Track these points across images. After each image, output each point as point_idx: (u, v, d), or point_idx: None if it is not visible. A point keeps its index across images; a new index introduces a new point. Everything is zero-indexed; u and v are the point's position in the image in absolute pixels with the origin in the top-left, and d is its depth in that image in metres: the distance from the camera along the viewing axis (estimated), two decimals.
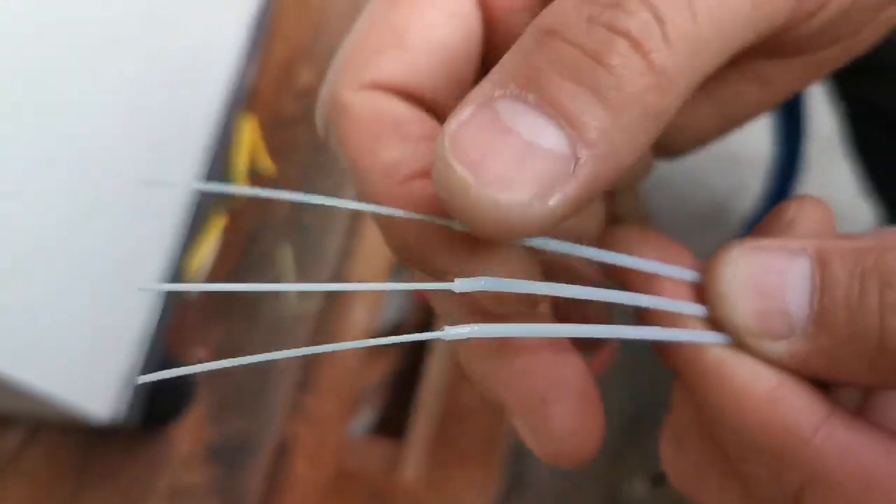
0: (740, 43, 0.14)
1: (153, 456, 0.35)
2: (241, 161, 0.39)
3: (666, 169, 1.17)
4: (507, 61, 0.13)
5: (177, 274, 0.34)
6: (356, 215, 0.37)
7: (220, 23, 0.36)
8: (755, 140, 1.19)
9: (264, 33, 0.39)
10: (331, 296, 0.36)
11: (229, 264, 0.38)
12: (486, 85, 0.13)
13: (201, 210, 0.35)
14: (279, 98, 0.41)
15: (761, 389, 0.14)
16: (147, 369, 0.32)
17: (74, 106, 0.28)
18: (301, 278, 0.36)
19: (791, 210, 0.16)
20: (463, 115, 0.12)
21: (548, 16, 0.13)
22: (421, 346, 0.45)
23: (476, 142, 0.12)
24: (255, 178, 0.40)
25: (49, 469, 0.37)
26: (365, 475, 0.43)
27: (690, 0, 0.13)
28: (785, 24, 0.14)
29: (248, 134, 0.39)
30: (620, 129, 0.12)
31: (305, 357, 0.35)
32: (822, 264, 0.14)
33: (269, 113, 0.41)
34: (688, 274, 0.15)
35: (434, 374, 0.46)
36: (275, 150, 0.40)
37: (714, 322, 0.14)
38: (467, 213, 0.12)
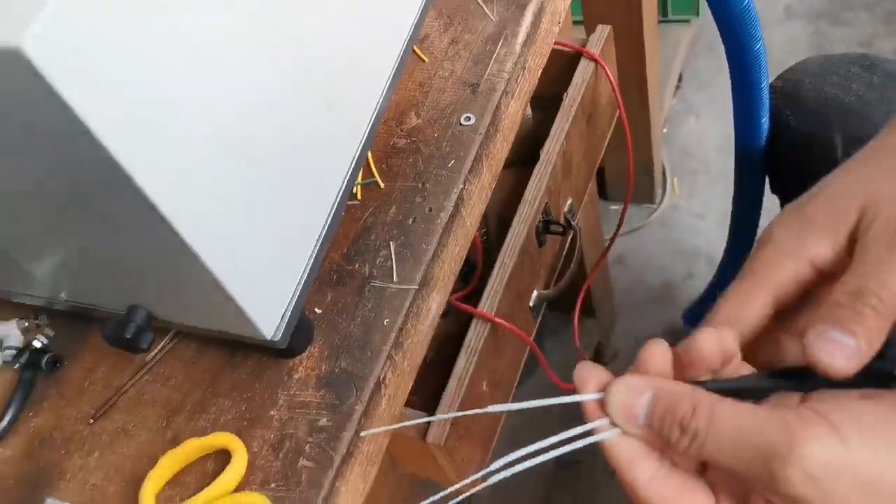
0: None
1: (277, 378, 0.47)
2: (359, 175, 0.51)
3: (629, 253, 1.33)
4: None
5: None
6: (448, 231, 0.50)
7: (377, 68, 0.50)
8: (708, 241, 1.37)
9: (394, 83, 0.52)
10: (423, 281, 0.48)
11: (344, 247, 0.50)
12: None
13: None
14: (391, 133, 0.54)
15: (624, 455, 0.31)
16: (289, 312, 0.44)
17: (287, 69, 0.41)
18: (398, 272, 0.49)
19: (647, 353, 0.32)
20: None
21: None
22: (458, 343, 0.57)
23: None
24: (366, 189, 0.52)
25: (186, 372, 0.48)
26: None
27: None
28: None
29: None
30: None
31: (398, 326, 0.47)
32: (654, 398, 0.30)
33: (383, 143, 0.54)
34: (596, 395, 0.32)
35: (461, 366, 0.58)
36: (383, 171, 0.53)
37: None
38: None
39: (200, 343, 0.49)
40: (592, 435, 0.31)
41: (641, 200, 1.44)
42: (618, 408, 0.31)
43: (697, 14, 1.44)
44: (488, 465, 0.45)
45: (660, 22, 1.39)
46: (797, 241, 0.35)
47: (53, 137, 0.31)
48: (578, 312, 0.87)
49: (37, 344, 0.51)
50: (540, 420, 1.16)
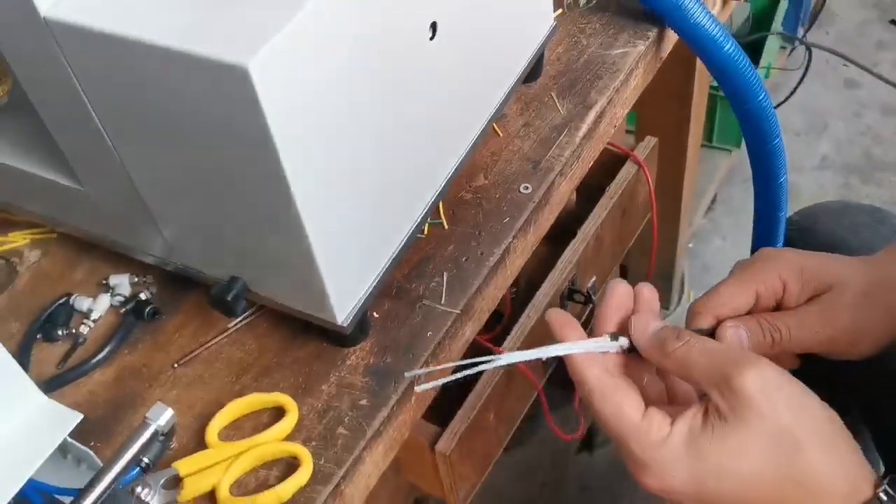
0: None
1: (332, 360, 0.57)
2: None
3: None
4: None
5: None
6: (492, 274, 0.61)
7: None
8: None
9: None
10: (464, 308, 0.59)
11: (406, 269, 0.61)
12: None
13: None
14: (461, 187, 0.66)
15: (585, 358, 0.47)
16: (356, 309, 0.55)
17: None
18: (446, 297, 0.60)
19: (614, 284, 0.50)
20: None
21: None
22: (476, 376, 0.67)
23: None
24: (433, 227, 0.63)
25: (257, 343, 0.59)
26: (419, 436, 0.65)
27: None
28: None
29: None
30: None
31: (437, 340, 0.58)
32: (665, 325, 0.47)
33: (454, 194, 0.65)
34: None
35: (476, 394, 0.68)
36: (449, 216, 0.64)
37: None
38: None
39: (275, 320, 0.59)
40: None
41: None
42: (640, 322, 0.47)
43: (738, 146, 1.56)
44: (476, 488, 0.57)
45: (704, 146, 1.51)
46: (787, 269, 0.54)
47: (236, 134, 0.43)
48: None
49: (142, 296, 0.61)
50: (527, 479, 1.24)
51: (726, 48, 0.75)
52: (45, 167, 0.58)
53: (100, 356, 0.59)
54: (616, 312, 0.49)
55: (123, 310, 0.61)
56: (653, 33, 0.75)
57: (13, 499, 0.41)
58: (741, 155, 1.59)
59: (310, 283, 0.51)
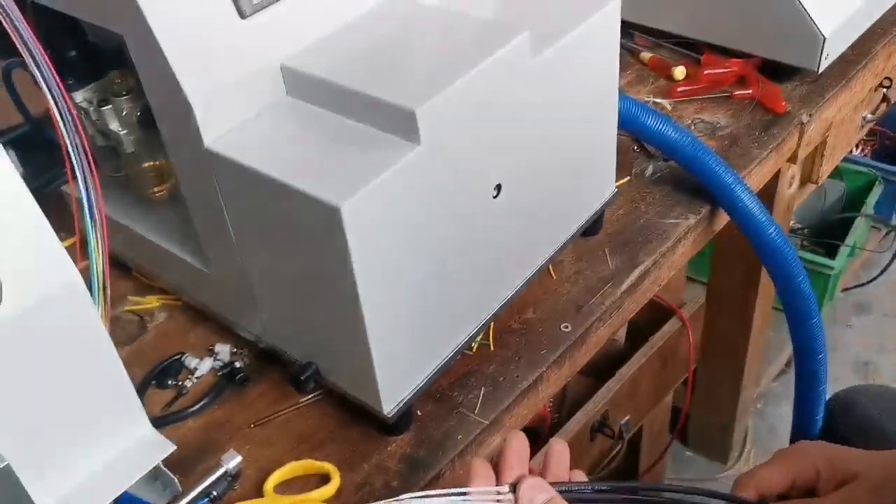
0: None
1: (375, 445, 0.69)
2: None
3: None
4: None
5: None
6: (524, 396, 0.72)
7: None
8: None
9: None
10: (494, 420, 0.70)
11: (451, 378, 0.72)
12: None
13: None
14: (511, 317, 0.77)
15: None
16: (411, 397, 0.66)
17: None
18: (480, 408, 0.70)
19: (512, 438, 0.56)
20: None
21: None
22: None
23: None
24: (480, 346, 0.75)
25: (318, 419, 0.71)
26: None
27: None
28: None
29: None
30: None
31: (465, 444, 0.68)
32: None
33: (503, 321, 0.77)
34: None
35: None
36: (496, 339, 0.76)
37: None
38: None
39: (336, 402, 0.72)
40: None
41: (714, 457, 1.58)
42: (527, 491, 0.51)
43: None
44: None
45: (776, 308, 1.57)
46: (820, 460, 0.63)
47: (325, 253, 0.57)
48: None
49: (237, 364, 0.75)
50: None
51: (770, 231, 0.85)
52: (184, 250, 0.74)
53: (196, 407, 0.72)
54: (517, 463, 0.55)
55: (221, 373, 0.75)
56: (705, 209, 0.86)
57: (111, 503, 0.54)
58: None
59: (365, 377, 0.63)
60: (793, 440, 1.04)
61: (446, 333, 0.68)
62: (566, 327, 0.76)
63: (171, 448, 0.55)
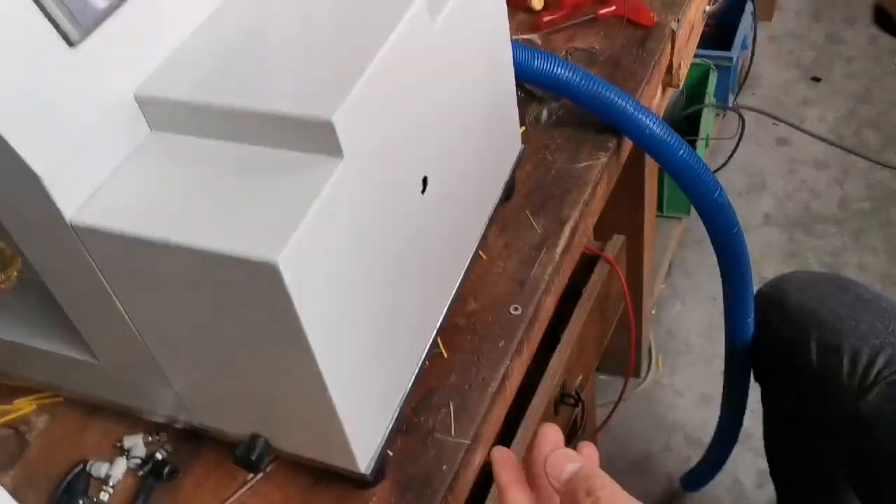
0: None
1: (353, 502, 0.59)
2: None
3: (613, 423, 1.45)
4: None
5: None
6: (496, 399, 0.64)
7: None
8: (686, 418, 1.50)
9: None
10: (475, 437, 0.61)
11: (413, 403, 0.63)
12: None
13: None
14: (455, 313, 0.69)
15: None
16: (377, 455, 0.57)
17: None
18: (455, 427, 0.62)
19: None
20: None
21: None
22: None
23: None
24: (433, 357, 0.66)
25: (280, 492, 0.60)
26: None
27: None
28: None
29: None
30: None
31: (453, 473, 0.60)
32: (581, 467, 0.45)
33: (450, 321, 0.68)
34: None
35: None
36: (447, 343, 0.67)
37: None
38: None
39: (293, 468, 0.61)
40: None
41: (628, 374, 1.58)
42: (553, 464, 0.45)
43: (688, 213, 1.63)
44: None
45: (656, 216, 1.58)
46: None
47: (263, 314, 0.45)
48: None
49: (158, 455, 0.63)
50: None
51: (681, 153, 0.80)
52: (56, 342, 0.60)
53: None
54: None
55: (141, 472, 0.62)
56: (612, 143, 0.80)
57: None
58: (690, 220, 1.66)
59: (332, 437, 0.53)
60: (729, 347, 1.03)
61: (404, 358, 0.59)
62: (516, 309, 0.69)
63: None
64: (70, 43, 0.44)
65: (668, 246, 1.62)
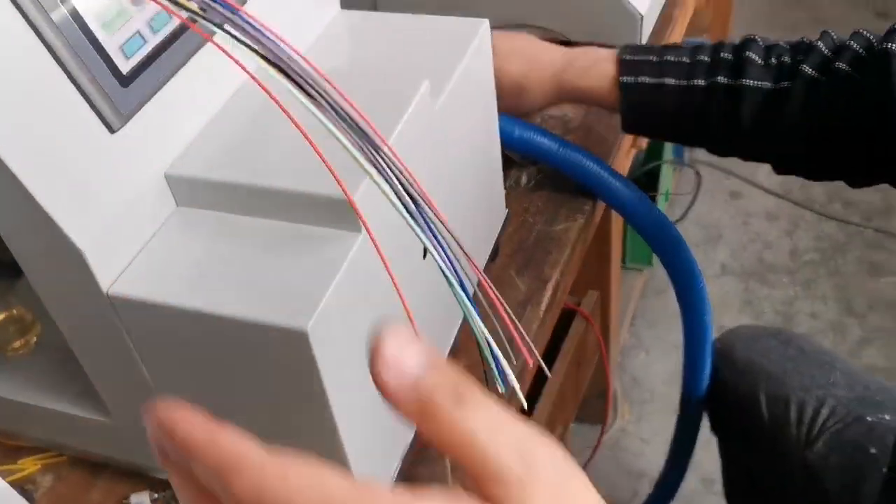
0: None
1: None
2: None
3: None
4: None
5: None
6: None
7: None
8: (652, 465, 1.54)
9: None
10: None
11: (410, 457, 0.67)
12: None
13: None
14: None
15: None
16: None
17: None
18: (453, 481, 0.66)
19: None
20: None
21: None
22: None
23: None
24: None
25: None
26: None
27: None
28: None
29: None
30: None
31: None
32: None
33: None
34: None
35: None
36: None
37: None
38: None
39: None
40: None
41: (594, 421, 1.63)
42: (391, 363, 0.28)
43: (650, 264, 1.70)
44: None
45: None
46: None
47: (286, 375, 0.49)
48: None
49: None
50: None
51: (653, 213, 0.86)
52: (66, 402, 0.62)
53: None
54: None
55: None
56: (588, 206, 0.86)
57: None
58: (652, 270, 1.73)
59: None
60: (685, 395, 1.08)
61: None
62: None
63: None
64: (111, 130, 0.48)
65: (631, 296, 1.68)
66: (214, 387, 0.53)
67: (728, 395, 1.00)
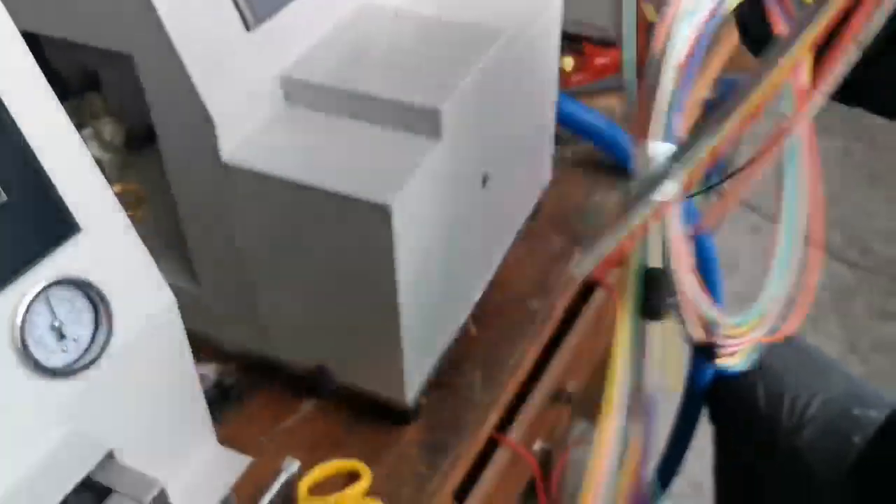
0: None
1: (392, 437, 0.71)
2: None
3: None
4: None
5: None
6: (516, 367, 0.76)
7: None
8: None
9: None
10: (492, 400, 0.74)
11: (446, 366, 0.76)
12: None
13: None
14: (486, 303, 0.82)
15: None
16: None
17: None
18: (480, 390, 0.75)
19: None
20: None
21: None
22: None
23: None
24: (463, 337, 0.79)
25: (327, 424, 0.72)
26: None
27: None
28: None
29: None
30: None
31: (475, 424, 0.72)
32: None
33: (482, 308, 0.81)
34: None
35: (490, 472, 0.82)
36: (477, 322, 0.80)
37: None
38: None
39: (336, 406, 0.73)
40: None
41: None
42: None
43: None
44: None
45: None
46: None
47: (365, 253, 0.58)
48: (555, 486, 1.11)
49: (226, 382, 0.74)
50: None
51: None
52: (166, 273, 0.72)
53: None
54: None
55: (212, 394, 0.74)
56: (623, 185, 0.95)
57: None
58: None
59: (390, 370, 0.65)
60: (689, 388, 1.16)
61: (449, 319, 0.72)
62: (533, 304, 0.82)
63: (247, 461, 0.55)
64: (247, 27, 0.58)
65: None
66: (300, 259, 0.63)
67: (730, 389, 1.08)
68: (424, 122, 0.59)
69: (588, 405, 1.56)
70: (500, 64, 0.66)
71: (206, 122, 0.57)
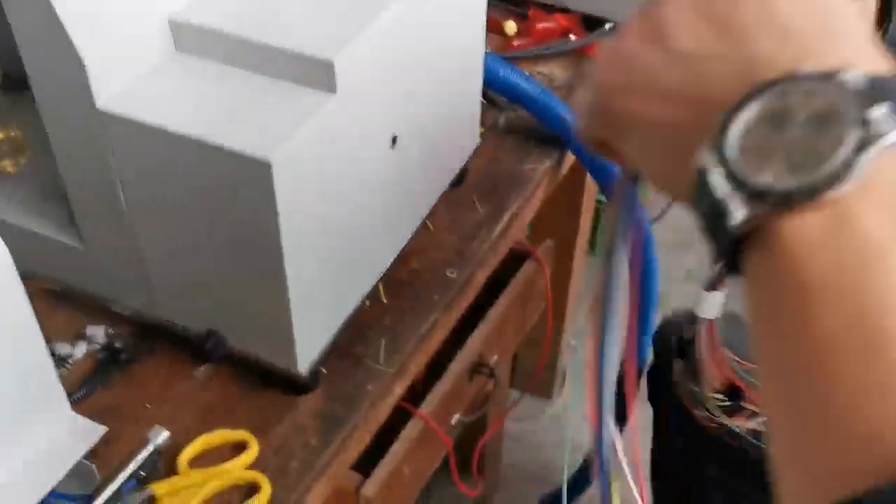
0: None
1: (287, 407, 0.68)
2: None
3: (523, 435, 1.52)
4: None
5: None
6: (422, 343, 0.73)
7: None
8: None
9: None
10: (399, 369, 0.71)
11: (350, 334, 0.72)
12: None
13: None
14: (398, 270, 0.78)
15: None
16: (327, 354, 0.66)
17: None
18: (384, 358, 0.71)
19: None
20: None
21: None
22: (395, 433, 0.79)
23: None
24: (374, 300, 0.75)
25: (222, 391, 0.69)
26: None
27: None
28: None
29: None
30: None
31: (375, 394, 0.69)
32: None
33: (393, 275, 0.78)
34: None
35: (397, 448, 0.79)
36: (388, 292, 0.76)
37: None
38: None
39: (236, 368, 0.69)
40: None
41: (541, 393, 1.69)
42: None
43: None
44: None
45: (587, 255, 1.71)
46: None
47: (248, 211, 0.55)
48: (476, 459, 1.09)
49: (117, 345, 0.70)
50: None
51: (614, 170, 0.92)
52: (46, 226, 0.68)
53: (79, 394, 0.67)
54: None
55: (100, 356, 0.70)
56: (555, 155, 0.92)
57: None
58: None
59: (280, 336, 0.62)
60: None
61: (351, 287, 0.68)
62: (452, 272, 0.79)
63: (102, 430, 0.51)
64: None
65: (593, 284, 1.74)
66: (185, 218, 0.59)
67: (667, 371, 1.07)
68: (318, 74, 0.55)
69: (521, 378, 1.55)
70: (407, 18, 0.62)
71: (78, 66, 0.52)
